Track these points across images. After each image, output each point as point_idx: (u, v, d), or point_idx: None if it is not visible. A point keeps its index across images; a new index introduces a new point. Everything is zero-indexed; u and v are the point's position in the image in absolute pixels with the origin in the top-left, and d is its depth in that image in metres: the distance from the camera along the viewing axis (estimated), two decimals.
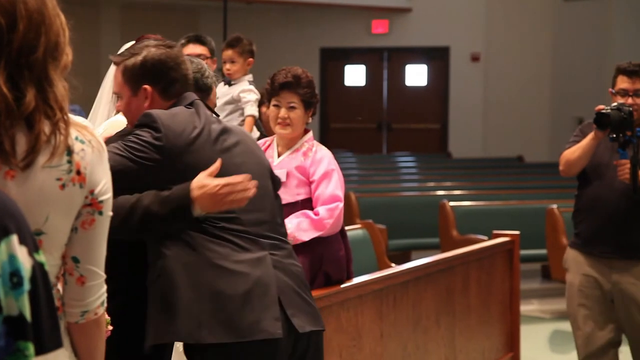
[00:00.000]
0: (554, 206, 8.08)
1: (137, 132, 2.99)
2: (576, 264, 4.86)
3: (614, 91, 4.78)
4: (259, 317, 2.92)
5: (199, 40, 5.45)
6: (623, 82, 4.75)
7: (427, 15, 15.68)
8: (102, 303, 2.13)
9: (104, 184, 2.06)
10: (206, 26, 14.22)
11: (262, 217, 3.08)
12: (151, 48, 3.12)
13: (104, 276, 2.12)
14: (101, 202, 2.06)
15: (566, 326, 7.85)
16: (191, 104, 3.12)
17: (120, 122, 3.41)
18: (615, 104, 4.67)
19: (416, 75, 16.32)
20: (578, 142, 4.80)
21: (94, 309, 2.10)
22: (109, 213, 2.09)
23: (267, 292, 2.96)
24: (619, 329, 4.84)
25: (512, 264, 6.03)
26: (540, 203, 8.86)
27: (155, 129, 2.97)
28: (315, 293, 3.95)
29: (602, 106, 4.66)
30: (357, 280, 4.30)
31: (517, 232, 6.12)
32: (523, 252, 6.49)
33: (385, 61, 16.31)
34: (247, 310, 2.92)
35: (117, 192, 2.83)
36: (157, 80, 3.10)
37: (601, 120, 4.63)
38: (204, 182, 2.94)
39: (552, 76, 15.39)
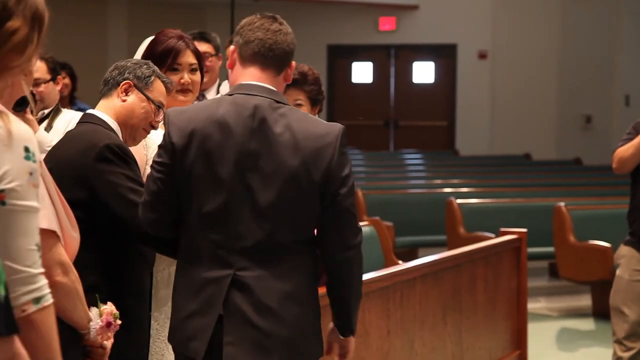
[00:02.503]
0: (562, 204, 8.05)
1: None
2: (629, 260, 4.91)
3: None
4: (192, 336, 2.92)
5: (203, 37, 5.41)
6: None
7: (435, 12, 15.65)
8: (34, 300, 1.98)
9: (4, 171, 1.93)
10: (213, 23, 14.19)
11: (243, 231, 2.89)
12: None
13: (30, 271, 1.97)
14: (3, 191, 1.94)
15: (573, 324, 7.85)
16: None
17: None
18: None
19: (423, 72, 16.29)
20: (631, 139, 4.81)
21: (19, 305, 1.96)
22: (15, 202, 1.95)
23: (207, 314, 2.90)
24: None
25: (520, 262, 6.02)
26: (547, 201, 8.84)
27: (167, 132, 2.96)
28: (320, 290, 3.95)
29: None
30: (363, 277, 4.28)
31: (524, 230, 6.11)
32: (530, 249, 6.48)
33: (393, 58, 16.29)
34: (186, 327, 2.94)
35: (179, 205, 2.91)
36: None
37: None
38: None
39: (559, 73, 15.34)
